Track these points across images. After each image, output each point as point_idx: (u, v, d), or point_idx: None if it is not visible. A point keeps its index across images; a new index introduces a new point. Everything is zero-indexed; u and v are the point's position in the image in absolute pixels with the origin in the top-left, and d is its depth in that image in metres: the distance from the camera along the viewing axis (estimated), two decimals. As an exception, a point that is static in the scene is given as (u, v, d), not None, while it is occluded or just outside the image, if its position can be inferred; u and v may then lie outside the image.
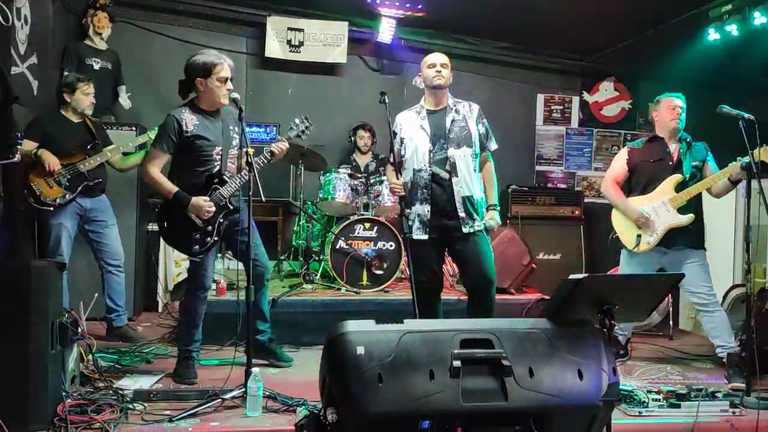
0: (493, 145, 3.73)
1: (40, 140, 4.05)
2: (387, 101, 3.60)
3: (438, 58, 3.62)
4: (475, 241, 3.54)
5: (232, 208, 3.45)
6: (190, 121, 3.37)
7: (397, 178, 3.57)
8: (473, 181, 3.58)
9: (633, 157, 4.06)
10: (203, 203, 3.35)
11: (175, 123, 3.35)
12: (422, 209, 3.54)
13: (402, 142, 3.67)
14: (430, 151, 3.56)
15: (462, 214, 3.52)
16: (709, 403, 3.08)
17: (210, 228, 3.42)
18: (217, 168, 3.42)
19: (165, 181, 3.37)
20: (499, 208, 3.68)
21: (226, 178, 3.40)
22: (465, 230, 3.52)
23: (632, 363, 4.12)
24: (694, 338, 5.13)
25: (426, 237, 3.52)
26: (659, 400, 3.10)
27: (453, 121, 3.59)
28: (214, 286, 4.29)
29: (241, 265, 3.50)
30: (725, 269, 5.25)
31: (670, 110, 3.95)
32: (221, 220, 3.44)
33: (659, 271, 3.94)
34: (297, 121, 3.70)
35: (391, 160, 3.68)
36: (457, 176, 3.53)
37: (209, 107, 3.44)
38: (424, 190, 3.54)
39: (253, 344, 3.76)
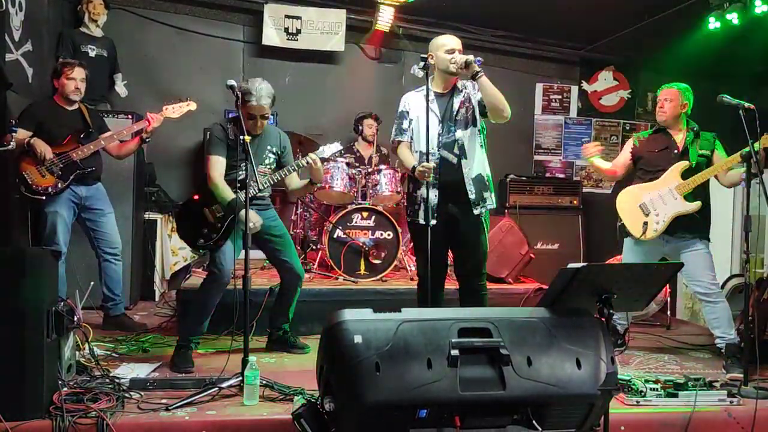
0: None
1: (34, 129, 4.01)
2: (429, 68, 3.36)
3: (456, 43, 3.50)
4: (478, 228, 3.52)
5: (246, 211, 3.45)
6: (231, 131, 3.65)
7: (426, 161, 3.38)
8: (481, 158, 3.54)
9: (639, 147, 4.05)
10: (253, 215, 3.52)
11: (222, 129, 3.65)
12: (430, 194, 3.45)
13: (411, 123, 3.60)
14: (439, 135, 3.50)
15: (472, 196, 3.48)
16: (706, 393, 3.08)
17: (219, 226, 3.59)
18: (242, 176, 3.51)
19: (226, 188, 3.57)
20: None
21: (250, 184, 3.39)
22: (476, 212, 3.49)
23: (630, 352, 4.12)
24: (692, 328, 5.14)
25: (434, 222, 3.42)
26: (657, 389, 3.10)
27: (461, 102, 3.53)
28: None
29: (242, 255, 3.50)
30: (723, 259, 5.25)
31: (659, 103, 3.98)
32: (231, 223, 3.57)
33: (662, 260, 3.93)
34: (329, 145, 3.87)
35: (406, 139, 3.61)
36: (466, 158, 3.48)
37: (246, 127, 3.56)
38: (432, 174, 3.45)
39: (270, 337, 4.01)
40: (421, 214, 3.51)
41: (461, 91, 3.56)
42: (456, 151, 3.49)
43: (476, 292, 3.58)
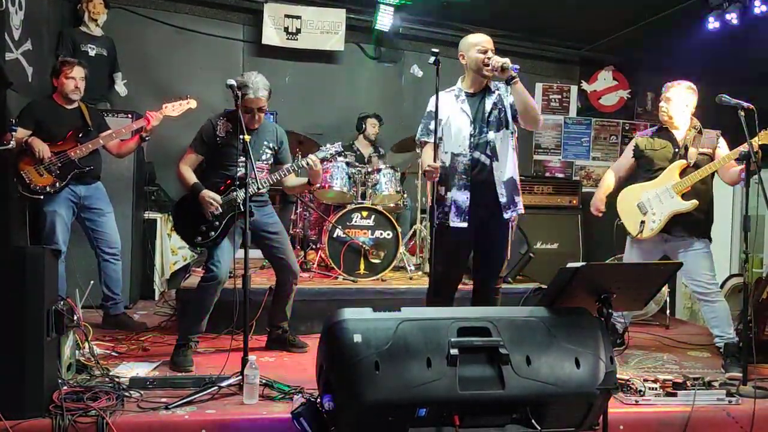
0: None
1: (33, 128, 4.01)
2: (439, 62, 3.31)
3: (488, 42, 3.41)
4: (506, 232, 3.46)
5: (245, 210, 3.42)
6: (224, 127, 3.65)
7: (434, 161, 3.36)
8: (512, 161, 3.49)
9: (640, 146, 4.04)
10: (209, 197, 3.54)
11: (210, 127, 3.66)
12: (461, 196, 3.41)
13: (440, 123, 3.48)
14: (471, 135, 3.44)
15: (503, 200, 3.41)
16: (705, 392, 3.08)
17: (217, 224, 3.60)
18: (240, 173, 3.53)
19: (189, 175, 3.65)
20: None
21: (248, 182, 3.40)
22: (506, 216, 3.42)
23: (629, 352, 4.12)
24: (691, 327, 5.14)
25: (465, 225, 3.39)
26: (656, 388, 3.10)
27: (494, 104, 3.47)
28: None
29: (240, 254, 3.50)
30: (722, 259, 5.25)
31: (662, 101, 3.98)
32: (230, 220, 3.59)
33: (662, 258, 3.93)
34: (329, 145, 3.87)
35: (432, 140, 3.48)
36: (497, 160, 3.42)
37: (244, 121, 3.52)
38: (463, 176, 3.41)
39: (269, 336, 4.01)
40: (452, 216, 3.41)
41: (493, 92, 3.48)
42: (488, 152, 3.42)
43: (491, 293, 3.54)
